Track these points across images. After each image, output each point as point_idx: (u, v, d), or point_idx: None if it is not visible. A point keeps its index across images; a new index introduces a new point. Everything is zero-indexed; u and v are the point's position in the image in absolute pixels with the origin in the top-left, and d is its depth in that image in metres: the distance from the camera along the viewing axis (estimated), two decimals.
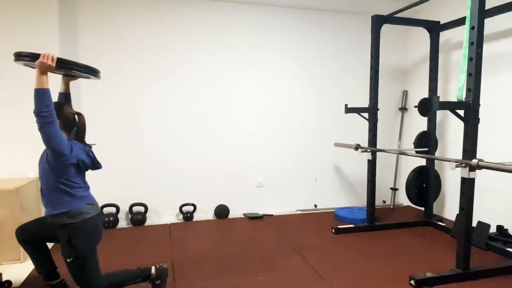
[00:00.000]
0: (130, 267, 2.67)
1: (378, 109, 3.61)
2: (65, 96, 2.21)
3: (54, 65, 1.81)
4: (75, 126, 2.09)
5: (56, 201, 1.96)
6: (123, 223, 3.79)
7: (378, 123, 3.64)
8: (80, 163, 2.00)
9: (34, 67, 1.88)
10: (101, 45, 3.64)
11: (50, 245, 2.31)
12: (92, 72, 2.12)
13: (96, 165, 2.13)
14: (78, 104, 3.60)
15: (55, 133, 1.83)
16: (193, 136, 3.97)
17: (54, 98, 1.89)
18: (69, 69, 1.99)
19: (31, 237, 2.18)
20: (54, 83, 1.99)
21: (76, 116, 2.10)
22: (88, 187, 2.12)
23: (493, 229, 3.15)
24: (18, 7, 3.21)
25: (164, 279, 2.24)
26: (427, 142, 3.72)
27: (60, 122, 1.90)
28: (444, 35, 3.77)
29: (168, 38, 3.82)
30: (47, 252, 2.25)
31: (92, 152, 2.13)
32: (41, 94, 1.78)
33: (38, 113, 1.78)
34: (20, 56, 1.89)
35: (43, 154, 2.00)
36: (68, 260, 1.97)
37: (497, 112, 3.30)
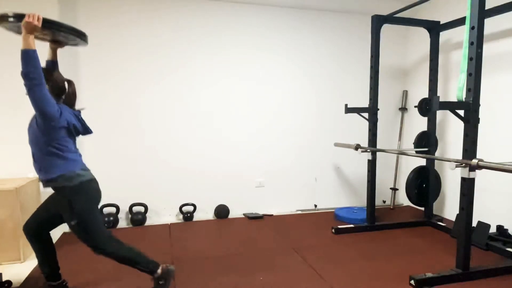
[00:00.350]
0: (130, 267, 2.68)
1: (378, 109, 3.61)
2: (53, 64, 2.19)
3: (40, 25, 1.80)
4: (64, 92, 2.08)
5: (49, 165, 1.97)
6: (123, 223, 3.79)
7: (378, 123, 3.64)
8: (71, 127, 2.01)
9: (19, 32, 1.85)
10: (101, 44, 3.64)
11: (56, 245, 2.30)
12: (79, 35, 2.09)
13: (87, 130, 2.15)
14: (78, 104, 3.60)
15: (43, 96, 1.83)
16: (193, 136, 3.97)
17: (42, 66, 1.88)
18: (56, 29, 1.95)
19: (39, 228, 2.16)
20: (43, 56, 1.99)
21: (66, 82, 2.09)
22: (80, 154, 2.13)
23: (493, 229, 3.15)
24: (17, 3, 3.21)
25: (168, 280, 2.23)
26: (427, 142, 3.72)
27: (48, 87, 1.90)
28: (444, 35, 3.77)
29: (168, 37, 3.82)
30: (53, 250, 2.24)
31: (82, 117, 2.14)
32: (28, 55, 1.77)
33: (26, 74, 1.78)
34: (3, 17, 1.84)
35: (32, 119, 1.99)
36: (72, 224, 1.99)
37: (497, 112, 3.30)
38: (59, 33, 2.00)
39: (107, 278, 2.51)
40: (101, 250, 2.08)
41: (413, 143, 3.76)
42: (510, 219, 3.18)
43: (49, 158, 1.96)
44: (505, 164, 2.15)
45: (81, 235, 2.05)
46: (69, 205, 1.97)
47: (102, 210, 3.64)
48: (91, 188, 2.08)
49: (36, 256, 2.21)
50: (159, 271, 2.20)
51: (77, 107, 2.19)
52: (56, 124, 1.92)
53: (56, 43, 2.17)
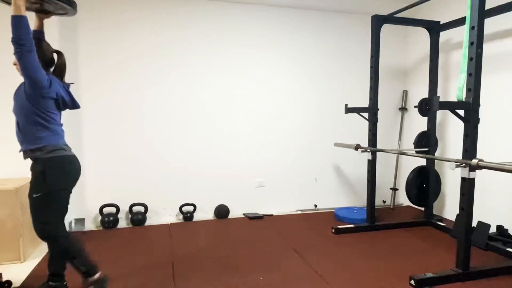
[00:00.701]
0: (130, 267, 2.69)
1: (378, 109, 3.61)
2: (39, 34, 2.16)
3: None
4: (53, 64, 2.08)
5: (34, 135, 1.95)
6: (123, 223, 3.78)
7: (378, 123, 3.64)
8: (60, 99, 2.00)
9: (8, 2, 1.85)
10: (101, 44, 3.64)
11: None
12: (69, 2, 2.07)
13: (75, 104, 2.14)
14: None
15: (34, 62, 1.82)
16: (193, 136, 3.97)
17: None
18: None
19: None
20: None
21: (55, 54, 2.08)
22: (62, 127, 2.11)
23: (493, 229, 3.15)
24: None
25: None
26: (427, 142, 3.72)
27: (38, 59, 1.89)
28: (444, 35, 3.77)
29: (168, 37, 3.82)
30: None
31: (70, 91, 2.14)
32: (19, 21, 1.77)
33: (17, 41, 1.77)
34: None
35: (19, 88, 1.98)
36: (34, 196, 1.93)
37: (497, 112, 3.30)
38: (49, 0, 1.98)
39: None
40: (48, 234, 2.00)
41: (413, 143, 3.76)
42: (510, 219, 3.18)
43: (35, 128, 1.94)
44: (505, 164, 2.15)
45: (37, 211, 1.96)
46: (42, 175, 1.92)
47: (102, 210, 3.65)
48: (71, 165, 2.05)
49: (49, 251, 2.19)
50: (96, 276, 2.13)
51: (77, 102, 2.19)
52: (45, 94, 1.91)
53: (43, 13, 2.14)
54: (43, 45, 2.02)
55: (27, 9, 2.05)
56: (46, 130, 1.96)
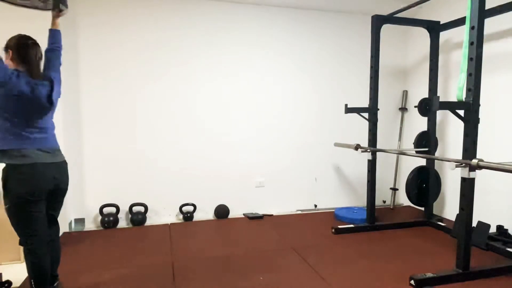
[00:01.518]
0: (130, 267, 2.69)
1: (378, 109, 3.61)
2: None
3: None
4: (26, 58, 1.90)
5: (0, 136, 1.84)
6: (123, 223, 3.78)
7: (378, 123, 3.64)
8: (24, 99, 1.83)
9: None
10: (101, 43, 3.64)
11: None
12: None
13: (40, 103, 1.89)
14: (77, 104, 3.60)
15: None
16: (193, 136, 3.97)
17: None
18: None
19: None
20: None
21: (26, 46, 1.92)
22: (44, 131, 1.95)
23: (493, 229, 3.15)
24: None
25: None
26: (427, 142, 3.72)
27: (13, 53, 1.86)
28: (444, 35, 3.77)
29: (169, 37, 3.82)
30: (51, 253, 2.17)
31: (47, 86, 1.93)
32: None
33: None
34: None
35: None
36: (5, 207, 1.87)
37: (497, 112, 3.30)
38: None
39: (107, 278, 2.51)
40: (24, 243, 1.93)
41: (413, 143, 3.76)
42: (510, 219, 3.18)
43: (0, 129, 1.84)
44: (505, 164, 2.15)
45: (13, 223, 1.90)
46: (5, 185, 1.82)
47: (102, 210, 3.65)
48: (34, 173, 1.85)
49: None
50: None
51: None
52: (7, 91, 1.77)
53: (55, 11, 2.09)
54: (16, 39, 1.92)
55: (25, 7, 2.03)
56: (6, 133, 1.82)
